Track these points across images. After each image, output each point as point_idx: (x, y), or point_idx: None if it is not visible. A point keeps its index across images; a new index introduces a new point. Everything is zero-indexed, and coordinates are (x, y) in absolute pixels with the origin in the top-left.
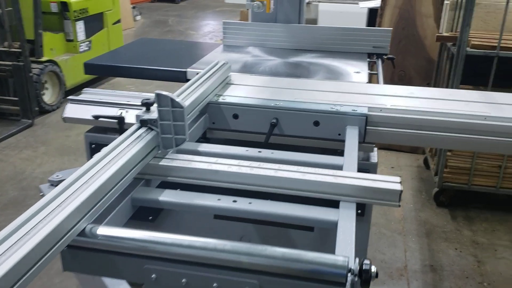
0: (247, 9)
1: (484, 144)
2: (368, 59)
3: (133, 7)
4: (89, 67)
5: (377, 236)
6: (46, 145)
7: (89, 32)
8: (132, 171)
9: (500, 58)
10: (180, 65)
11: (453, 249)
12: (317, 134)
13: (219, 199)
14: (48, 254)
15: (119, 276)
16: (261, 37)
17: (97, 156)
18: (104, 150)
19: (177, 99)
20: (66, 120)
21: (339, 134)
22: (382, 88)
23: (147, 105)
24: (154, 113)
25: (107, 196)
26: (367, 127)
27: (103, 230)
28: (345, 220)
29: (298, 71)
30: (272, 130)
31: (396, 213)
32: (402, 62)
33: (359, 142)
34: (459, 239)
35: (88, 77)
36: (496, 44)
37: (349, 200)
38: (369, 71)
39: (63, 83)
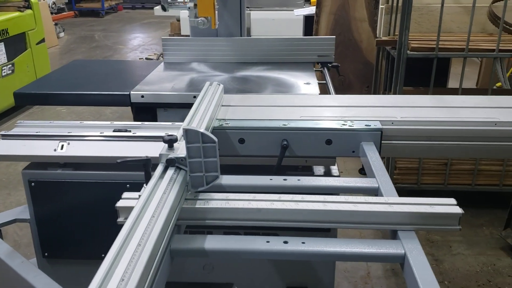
0: (194, 25)
1: (496, 150)
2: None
3: (55, 24)
4: (19, 97)
5: None
6: None
7: (11, 54)
8: (172, 220)
9: (420, 59)
10: (122, 88)
11: None
12: (330, 153)
13: (268, 241)
14: None
15: None
16: (203, 52)
17: (135, 210)
18: (138, 202)
19: (209, 134)
20: None
21: (353, 152)
22: (378, 99)
23: (170, 141)
24: (179, 151)
25: (158, 256)
26: (382, 142)
27: None
28: (414, 253)
29: (248, 86)
30: (284, 153)
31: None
32: (340, 68)
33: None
34: None
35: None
36: (434, 46)
37: (407, 229)
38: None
39: None
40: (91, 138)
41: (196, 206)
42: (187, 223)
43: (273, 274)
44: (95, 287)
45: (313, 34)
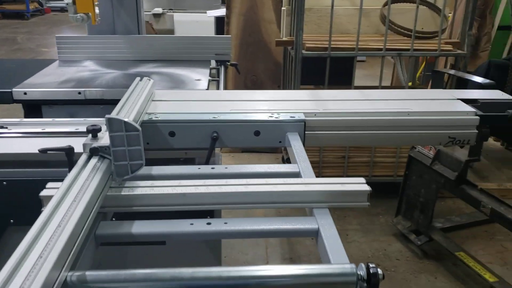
0: (73, 21)
1: (408, 137)
2: (215, 67)
3: None
4: None
5: (240, 239)
6: None
7: None
8: (95, 207)
9: (332, 58)
10: (6, 85)
11: (309, 239)
12: (258, 143)
13: (191, 224)
14: None
15: None
16: (100, 50)
17: (56, 196)
18: (60, 188)
19: (132, 122)
20: None
21: (280, 142)
22: (304, 93)
23: (93, 131)
24: (103, 140)
25: (79, 238)
26: (306, 132)
27: (87, 276)
28: (326, 227)
29: None
30: (214, 144)
31: (258, 212)
32: (252, 68)
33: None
34: None
35: None
36: (327, 46)
37: (322, 206)
38: (210, 78)
39: None
40: None
41: (122, 193)
42: (113, 210)
43: (164, 263)
44: (13, 262)
45: (225, 34)
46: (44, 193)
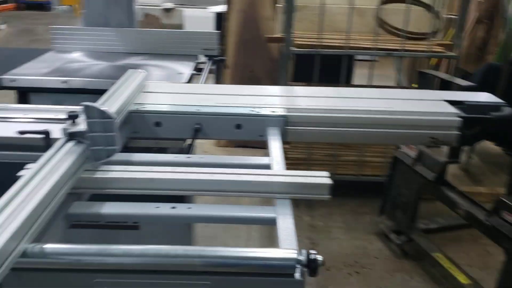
0: (58, 12)
1: (392, 136)
2: (204, 61)
3: None
4: None
5: (223, 232)
6: None
7: None
8: (65, 186)
9: (322, 55)
10: None
11: None
12: (239, 136)
13: (157, 207)
14: None
15: None
16: (92, 41)
17: (26, 174)
18: (33, 167)
19: (107, 110)
20: None
21: (261, 136)
22: (290, 89)
23: (72, 117)
24: (81, 125)
25: (44, 214)
26: (286, 127)
27: (46, 249)
28: (283, 216)
29: (121, 74)
30: (196, 135)
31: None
32: (251, 63)
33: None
34: (299, 225)
35: None
36: (316, 43)
37: (283, 197)
38: (195, 72)
39: None
40: None
41: (94, 176)
42: (85, 192)
43: None
44: None
45: (224, 30)
46: (21, 173)
